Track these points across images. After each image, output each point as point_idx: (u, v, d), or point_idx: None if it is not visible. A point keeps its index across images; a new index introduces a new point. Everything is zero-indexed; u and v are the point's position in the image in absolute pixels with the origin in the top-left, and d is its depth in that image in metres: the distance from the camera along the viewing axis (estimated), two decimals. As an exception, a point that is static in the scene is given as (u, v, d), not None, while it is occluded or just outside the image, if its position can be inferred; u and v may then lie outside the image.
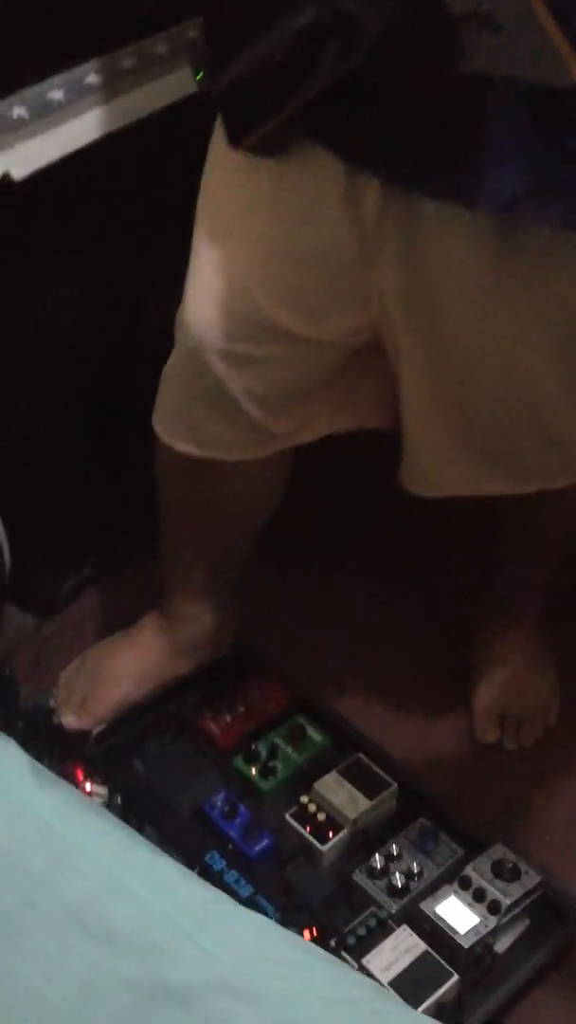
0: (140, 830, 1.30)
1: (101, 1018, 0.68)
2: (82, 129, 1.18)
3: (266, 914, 1.23)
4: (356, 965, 1.18)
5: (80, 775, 1.35)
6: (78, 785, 1.34)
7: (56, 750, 1.40)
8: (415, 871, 1.26)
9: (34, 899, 0.73)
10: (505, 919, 1.21)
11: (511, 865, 1.24)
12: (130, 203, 1.35)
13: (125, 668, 1.41)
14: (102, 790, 1.35)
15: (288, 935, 0.74)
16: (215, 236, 1.07)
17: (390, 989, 0.71)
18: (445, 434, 1.10)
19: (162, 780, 1.38)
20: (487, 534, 1.41)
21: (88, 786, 1.34)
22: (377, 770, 1.35)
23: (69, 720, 1.39)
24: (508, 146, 0.82)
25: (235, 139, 0.91)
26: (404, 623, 1.59)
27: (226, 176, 1.04)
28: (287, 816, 1.32)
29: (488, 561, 1.48)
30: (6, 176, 1.13)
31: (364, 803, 1.32)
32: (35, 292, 1.34)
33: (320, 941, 1.21)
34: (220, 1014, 0.68)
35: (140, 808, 1.34)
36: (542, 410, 1.04)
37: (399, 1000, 0.73)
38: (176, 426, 1.20)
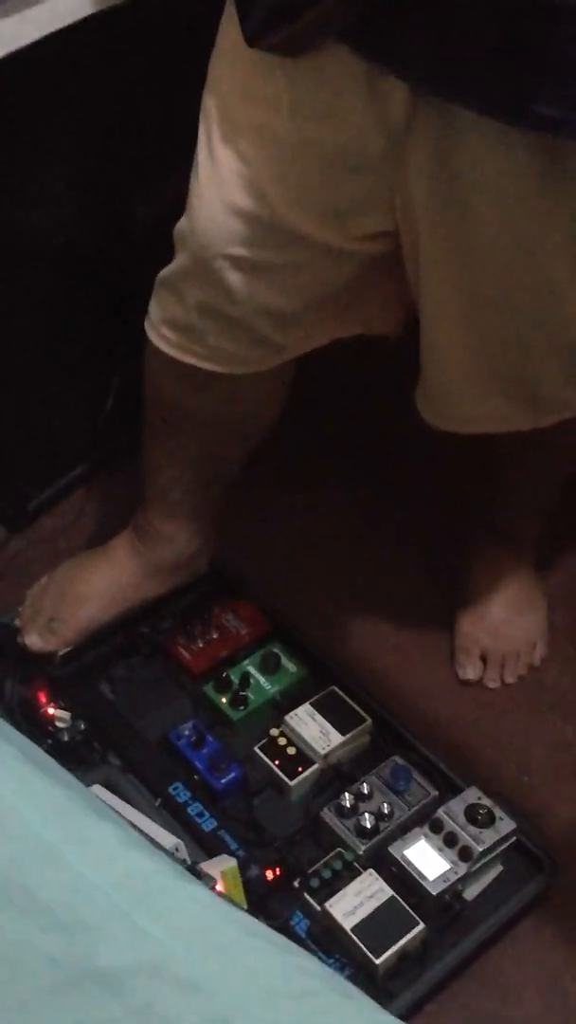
0: (104, 757, 1.29)
1: (21, 997, 0.63)
2: (67, 8, 1.11)
3: (229, 850, 1.20)
4: (319, 908, 1.15)
5: (43, 698, 1.31)
6: (41, 707, 1.30)
7: (19, 671, 1.36)
8: (385, 812, 1.22)
9: (-45, 862, 0.68)
10: (476, 866, 1.17)
11: (485, 810, 1.20)
12: (119, 91, 1.28)
13: (95, 588, 1.36)
14: (65, 715, 1.30)
15: (235, 914, 0.69)
16: (226, 136, 1.00)
17: (341, 978, 0.66)
18: (468, 362, 1.05)
19: (129, 705, 1.34)
20: (490, 454, 1.35)
21: (51, 710, 1.30)
22: (352, 704, 1.31)
23: (33, 641, 1.34)
24: (566, 70, 0.78)
25: (254, 38, 0.87)
26: (388, 554, 1.54)
27: (237, 74, 0.98)
28: (256, 748, 1.28)
29: (489, 482, 1.43)
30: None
31: (336, 738, 1.28)
32: (16, 184, 1.27)
33: (283, 880, 1.18)
34: (150, 1003, 0.63)
35: (105, 734, 1.30)
36: (571, 333, 1.00)
37: (353, 991, 0.67)
38: (175, 335, 1.14)
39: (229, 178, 1.01)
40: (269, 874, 1.18)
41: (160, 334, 1.15)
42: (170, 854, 0.97)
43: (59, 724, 1.29)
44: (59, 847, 0.69)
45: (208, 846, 1.21)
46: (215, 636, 1.39)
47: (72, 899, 0.67)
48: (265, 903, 1.17)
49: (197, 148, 1.05)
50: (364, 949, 1.11)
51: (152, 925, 0.67)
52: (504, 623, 1.42)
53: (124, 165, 1.35)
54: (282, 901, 1.17)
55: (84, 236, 1.36)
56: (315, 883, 1.17)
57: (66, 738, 1.28)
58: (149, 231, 1.34)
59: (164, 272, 1.13)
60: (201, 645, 1.38)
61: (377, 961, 1.10)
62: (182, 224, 1.08)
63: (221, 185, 1.02)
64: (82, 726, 1.29)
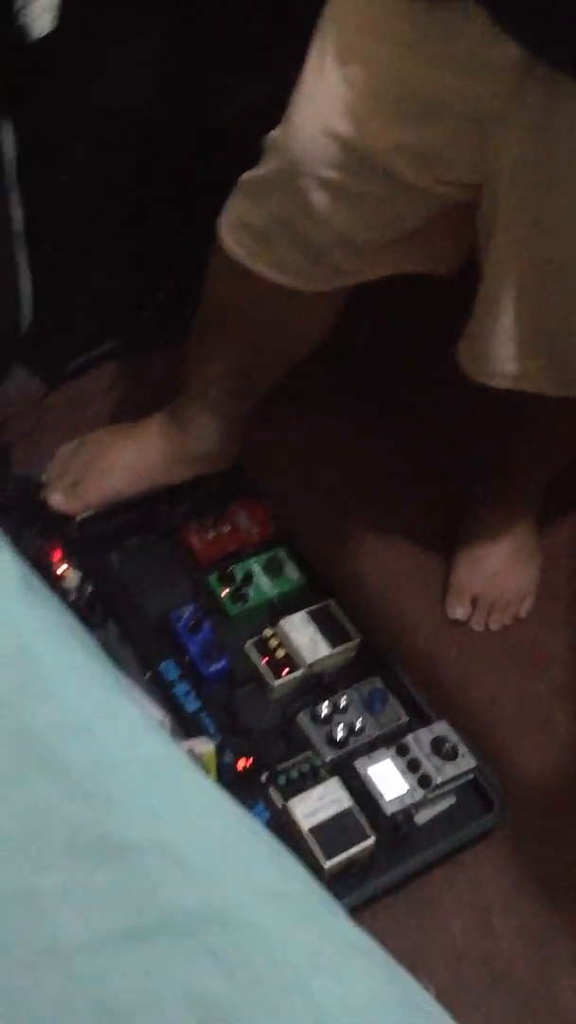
0: (103, 623, 1.34)
1: (37, 853, 0.69)
2: None
3: (207, 732, 1.26)
4: (281, 804, 1.21)
5: (56, 556, 1.36)
6: (53, 565, 1.34)
7: (38, 524, 1.40)
8: (357, 727, 1.28)
9: (-3, 718, 0.73)
10: (432, 795, 1.24)
11: (451, 745, 1.25)
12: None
13: (123, 462, 1.39)
14: (75, 576, 1.35)
15: (238, 811, 0.75)
16: (340, 58, 1.01)
17: (321, 888, 0.72)
18: (519, 322, 1.08)
19: (135, 578, 1.39)
20: (513, 408, 1.38)
21: (62, 568, 1.35)
22: (344, 621, 1.36)
23: (56, 500, 1.38)
24: None
25: None
26: (401, 486, 1.58)
27: (362, 3, 0.99)
28: (247, 644, 1.33)
29: (507, 434, 1.46)
30: None
31: (324, 649, 1.33)
32: (105, 59, 1.26)
33: (252, 772, 1.24)
34: (152, 876, 0.69)
35: (108, 601, 1.35)
36: None
37: (330, 901, 0.74)
38: (246, 240, 1.16)
39: (334, 102, 1.02)
40: (241, 763, 1.24)
41: (231, 236, 1.17)
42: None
43: (68, 584, 1.34)
44: (91, 720, 0.75)
45: (188, 726, 1.27)
46: (226, 530, 1.43)
47: (97, 772, 0.73)
48: (231, 789, 1.22)
49: (307, 64, 1.05)
50: (317, 850, 1.18)
51: (165, 808, 0.73)
52: (499, 573, 1.47)
53: (217, 56, 1.34)
54: (247, 790, 1.23)
55: (169, 120, 1.36)
56: (282, 780, 1.24)
57: (72, 598, 1.33)
58: (234, 127, 1.34)
59: (247, 175, 1.14)
60: (212, 536, 1.43)
61: (325, 865, 1.17)
62: (276, 134, 1.09)
63: (324, 107, 1.03)
64: (89, 589, 1.35)
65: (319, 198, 1.07)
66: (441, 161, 1.02)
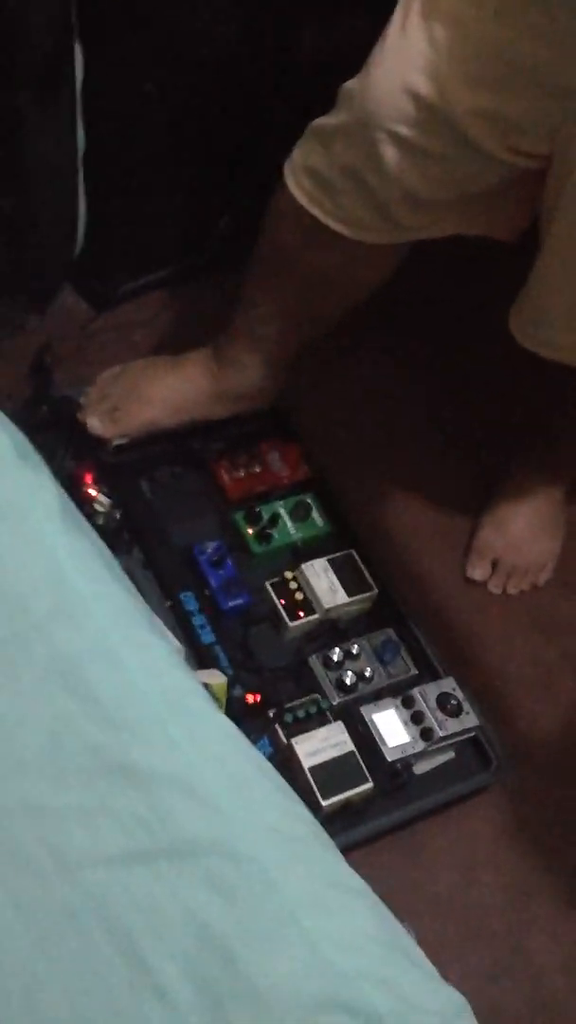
0: (129, 549, 1.36)
1: (58, 770, 0.73)
2: None
3: (219, 666, 1.29)
4: (286, 741, 1.24)
5: (89, 479, 1.38)
6: (85, 488, 1.36)
7: (72, 447, 1.42)
8: (367, 675, 1.30)
9: (28, 640, 0.76)
10: (433, 748, 1.27)
11: (455, 701, 1.28)
12: None
13: (163, 394, 1.41)
14: (105, 500, 1.37)
15: (252, 751, 0.78)
16: (424, 17, 1.02)
17: (321, 829, 0.75)
18: (573, 294, 1.09)
19: (164, 509, 1.41)
20: (558, 381, 1.39)
21: (93, 492, 1.37)
22: (364, 571, 1.37)
23: (94, 424, 1.40)
24: None
25: None
26: (436, 443, 1.59)
27: None
28: (268, 584, 1.35)
29: (548, 407, 1.47)
30: None
31: (342, 597, 1.35)
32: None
33: (260, 708, 1.27)
34: (165, 803, 0.73)
35: (136, 528, 1.37)
36: None
37: (330, 844, 0.77)
38: (311, 186, 1.16)
39: (415, 59, 1.03)
40: (250, 698, 1.27)
41: (297, 180, 1.17)
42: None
43: (98, 507, 1.36)
44: (120, 650, 0.78)
45: (202, 657, 1.29)
46: (257, 470, 1.45)
47: (122, 699, 0.76)
48: (239, 723, 1.25)
49: (391, 19, 1.06)
50: (315, 789, 1.21)
51: (183, 740, 0.76)
52: (522, 539, 1.48)
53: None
54: (254, 725, 1.26)
55: (246, 55, 1.36)
56: (288, 718, 1.26)
57: (101, 522, 1.35)
58: (312, 69, 1.34)
59: (319, 122, 1.14)
60: (242, 474, 1.44)
61: (323, 803, 1.20)
62: (353, 85, 1.10)
63: (405, 63, 1.04)
64: (117, 515, 1.37)
65: (389, 153, 1.08)
66: (517, 129, 1.02)
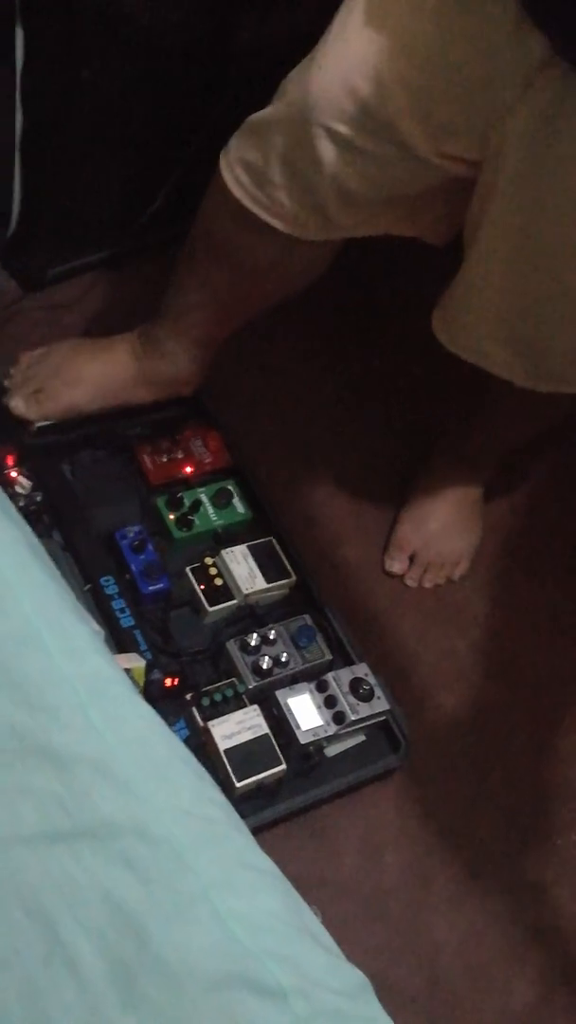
0: (49, 531, 1.37)
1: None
2: None
3: (139, 650, 1.31)
4: (202, 724, 1.27)
5: (10, 461, 1.38)
6: (5, 470, 1.37)
7: (-6, 429, 1.42)
8: (283, 660, 1.33)
9: (-52, 623, 0.77)
10: (344, 731, 1.30)
11: (368, 687, 1.32)
12: None
13: (88, 376, 1.41)
14: (26, 483, 1.37)
15: (170, 736, 0.81)
16: (367, 21, 1.03)
17: (234, 812, 0.78)
18: (495, 305, 1.11)
19: (85, 492, 1.42)
20: (480, 383, 1.42)
21: (14, 474, 1.37)
22: (283, 559, 1.40)
23: (17, 404, 1.40)
24: None
25: None
26: (359, 434, 1.62)
27: None
28: (188, 569, 1.37)
29: (472, 400, 1.49)
30: None
31: (261, 584, 1.38)
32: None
33: (178, 691, 1.29)
34: (85, 787, 0.75)
35: (56, 511, 1.38)
36: None
37: (243, 827, 0.80)
38: (246, 179, 1.17)
39: (357, 61, 1.04)
40: (168, 682, 1.29)
41: (232, 172, 1.18)
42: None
43: (19, 489, 1.36)
44: (43, 634, 0.80)
45: (121, 641, 1.31)
46: (179, 456, 1.46)
47: (43, 683, 0.78)
48: (156, 705, 1.27)
49: (334, 20, 1.07)
50: (230, 771, 1.24)
51: (104, 725, 0.78)
52: (439, 535, 1.52)
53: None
54: (171, 708, 1.28)
55: (186, 44, 1.36)
56: (205, 702, 1.29)
57: (21, 504, 1.35)
58: (248, 61, 1.35)
59: (257, 115, 1.15)
60: (165, 460, 1.46)
61: (237, 785, 1.23)
62: (293, 78, 1.11)
63: (346, 61, 1.05)
64: (38, 498, 1.37)
65: (325, 148, 1.09)
66: (449, 133, 1.04)
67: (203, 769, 0.82)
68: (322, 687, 1.32)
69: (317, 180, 1.12)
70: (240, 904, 0.76)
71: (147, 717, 0.81)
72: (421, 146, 1.06)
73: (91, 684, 0.79)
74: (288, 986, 0.74)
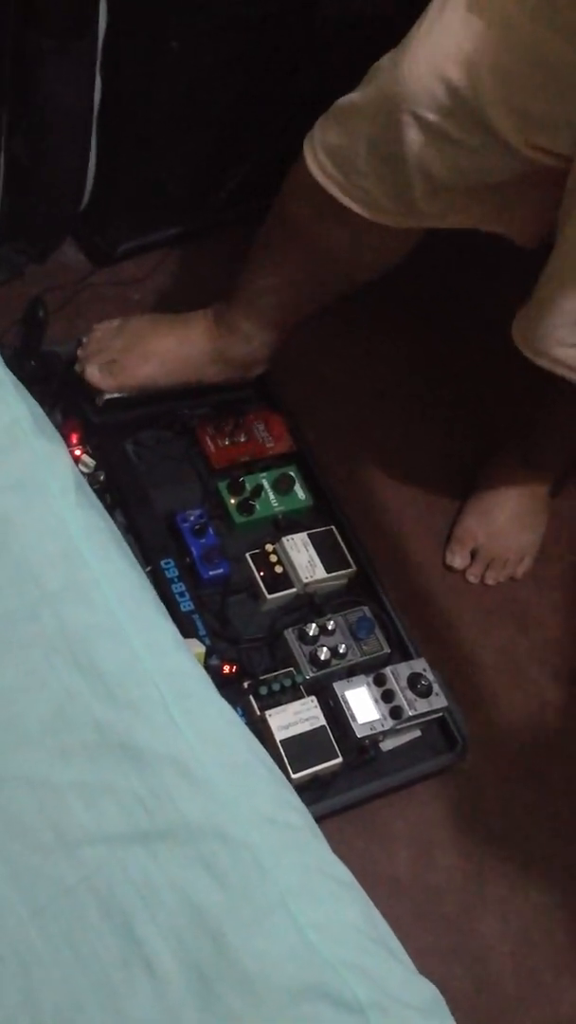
0: (111, 512, 1.35)
1: (62, 745, 0.73)
2: None
3: (198, 635, 1.29)
4: (259, 713, 1.26)
5: (74, 439, 1.37)
6: (70, 447, 1.34)
7: (60, 404, 1.41)
8: (341, 651, 1.32)
9: (39, 613, 0.76)
10: (401, 726, 1.29)
11: (426, 682, 1.30)
12: None
13: (162, 351, 1.39)
14: (90, 461, 1.37)
15: (250, 737, 0.79)
16: (464, 7, 1.02)
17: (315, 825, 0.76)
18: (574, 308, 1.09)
19: (147, 473, 1.41)
20: (548, 387, 1.40)
21: (78, 452, 1.36)
22: (344, 548, 1.39)
23: (92, 373, 1.38)
24: None
25: None
26: (427, 426, 1.60)
27: None
28: (248, 555, 1.36)
29: (541, 397, 1.47)
30: None
31: (320, 573, 1.36)
32: None
33: (236, 679, 1.28)
34: (166, 786, 0.74)
35: (119, 491, 1.36)
36: None
37: (319, 833, 0.79)
38: (329, 163, 1.16)
39: (451, 48, 1.03)
40: (226, 668, 1.28)
41: (315, 156, 1.17)
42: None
43: (82, 468, 1.35)
44: (127, 628, 0.78)
45: (181, 625, 1.27)
46: (242, 440, 1.45)
47: (126, 678, 0.76)
48: (213, 692, 1.28)
49: (429, 7, 1.05)
50: (286, 762, 1.22)
51: (185, 723, 0.77)
52: (504, 530, 1.50)
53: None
54: (228, 695, 1.25)
55: (273, 19, 1.34)
56: (263, 691, 1.27)
57: (85, 482, 1.35)
58: (332, 40, 1.33)
59: (344, 100, 1.14)
60: (227, 443, 1.44)
61: (293, 776, 1.22)
62: (384, 64, 1.09)
63: (441, 51, 1.04)
64: (102, 477, 1.36)
65: (413, 136, 1.08)
66: (541, 126, 1.03)
67: (280, 772, 0.81)
68: (380, 680, 1.30)
69: (403, 167, 1.11)
70: (318, 914, 0.75)
71: (228, 716, 0.80)
72: (511, 137, 1.05)
73: (173, 681, 0.78)
74: (366, 1000, 0.73)
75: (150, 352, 1.39)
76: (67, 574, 0.78)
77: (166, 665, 0.78)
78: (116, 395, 1.41)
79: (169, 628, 0.80)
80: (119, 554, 0.82)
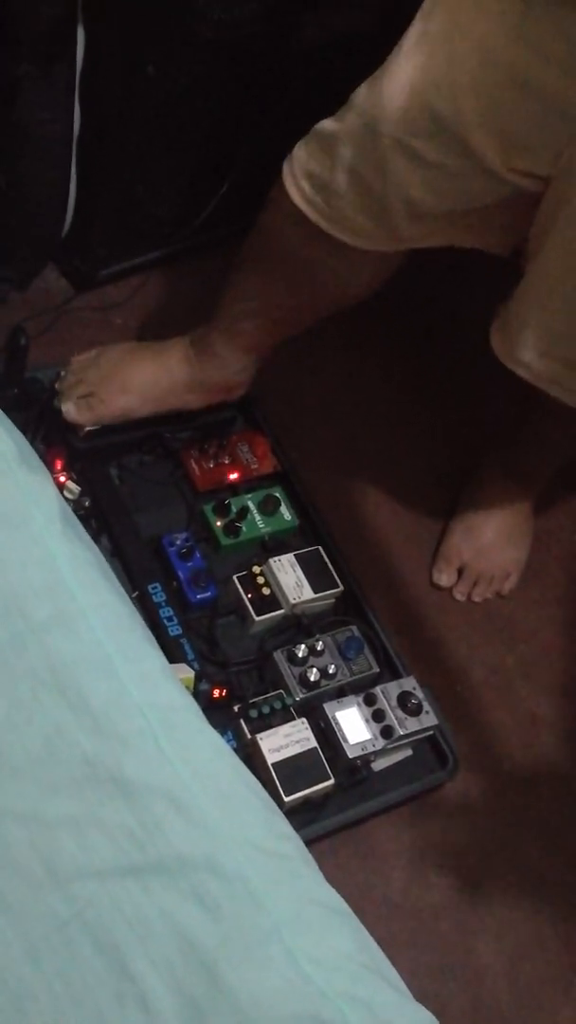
0: (97, 537, 1.35)
1: (51, 779, 0.73)
2: None
3: (187, 659, 1.29)
4: (250, 736, 1.25)
5: (58, 465, 1.37)
6: (54, 474, 1.35)
7: (43, 430, 1.40)
8: (330, 672, 1.31)
9: (26, 644, 0.76)
10: (392, 745, 1.29)
11: (416, 701, 1.30)
12: None
13: (140, 381, 1.39)
14: (75, 488, 1.36)
15: (240, 767, 0.79)
16: (444, 34, 1.02)
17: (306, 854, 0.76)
18: (554, 323, 1.09)
19: (132, 497, 1.41)
20: (530, 397, 1.40)
21: (63, 478, 1.36)
22: (331, 568, 1.39)
23: (69, 409, 1.38)
24: None
25: None
26: (411, 445, 1.60)
27: None
28: (235, 577, 1.36)
29: (520, 420, 1.48)
30: None
31: (308, 593, 1.36)
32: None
33: (226, 702, 1.28)
34: (156, 819, 0.73)
35: (104, 516, 1.36)
36: None
37: (312, 862, 0.78)
38: (309, 188, 1.16)
39: (431, 74, 1.02)
40: (216, 692, 1.28)
41: (296, 182, 1.16)
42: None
43: (67, 494, 1.35)
44: (114, 659, 0.78)
45: (169, 650, 1.28)
46: (226, 461, 1.45)
47: (114, 711, 0.76)
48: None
49: (409, 30, 1.05)
50: (278, 785, 1.22)
51: (175, 755, 0.77)
52: (490, 547, 1.50)
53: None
54: (218, 719, 1.26)
55: (251, 42, 1.34)
56: (253, 713, 1.27)
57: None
58: (311, 62, 1.33)
59: (324, 124, 1.14)
60: (212, 465, 1.44)
61: (286, 799, 1.22)
62: (364, 92, 1.09)
63: (421, 75, 1.03)
64: (87, 503, 1.36)
65: (396, 161, 1.08)
66: (522, 149, 1.03)
67: (272, 801, 0.81)
68: (370, 700, 1.30)
69: (384, 192, 1.11)
70: (312, 944, 0.74)
71: (218, 747, 0.79)
72: (493, 160, 1.04)
73: (162, 713, 0.78)
74: (361, 1029, 0.72)
75: (128, 382, 1.39)
76: (53, 606, 0.77)
77: (155, 697, 0.78)
78: (95, 428, 1.40)
79: (158, 658, 0.80)
80: (106, 585, 0.81)
